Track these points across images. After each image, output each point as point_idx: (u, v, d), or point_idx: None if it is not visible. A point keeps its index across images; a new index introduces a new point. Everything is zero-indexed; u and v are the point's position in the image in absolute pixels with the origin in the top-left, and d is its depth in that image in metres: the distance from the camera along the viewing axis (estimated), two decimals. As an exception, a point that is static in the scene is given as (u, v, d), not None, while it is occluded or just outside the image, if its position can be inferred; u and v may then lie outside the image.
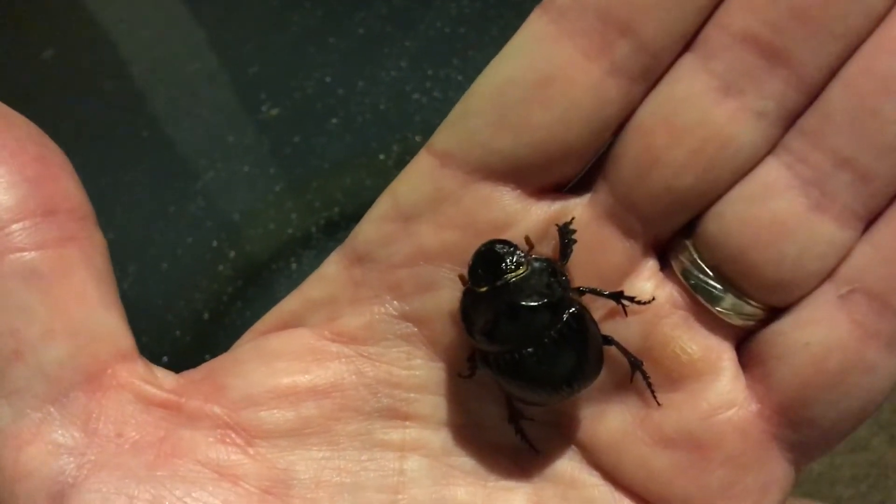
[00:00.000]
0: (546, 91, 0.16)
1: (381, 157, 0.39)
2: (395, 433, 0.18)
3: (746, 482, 0.17)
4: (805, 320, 0.17)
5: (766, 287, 0.17)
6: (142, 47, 0.50)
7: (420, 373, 0.18)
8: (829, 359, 0.17)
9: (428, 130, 0.39)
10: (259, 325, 0.19)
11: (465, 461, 0.18)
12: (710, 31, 0.16)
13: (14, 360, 0.16)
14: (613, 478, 0.18)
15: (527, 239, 0.17)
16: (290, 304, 0.18)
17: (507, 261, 0.17)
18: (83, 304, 0.17)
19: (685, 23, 0.16)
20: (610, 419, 0.18)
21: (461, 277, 0.18)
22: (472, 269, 0.17)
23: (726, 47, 0.16)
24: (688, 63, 0.16)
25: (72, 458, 0.16)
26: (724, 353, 0.18)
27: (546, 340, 0.17)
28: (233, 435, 0.17)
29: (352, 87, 0.42)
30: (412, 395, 0.18)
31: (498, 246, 0.17)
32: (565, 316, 0.17)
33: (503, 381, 0.18)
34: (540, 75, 0.16)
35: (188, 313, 0.35)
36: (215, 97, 0.44)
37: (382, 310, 0.18)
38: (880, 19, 0.16)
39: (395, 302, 0.18)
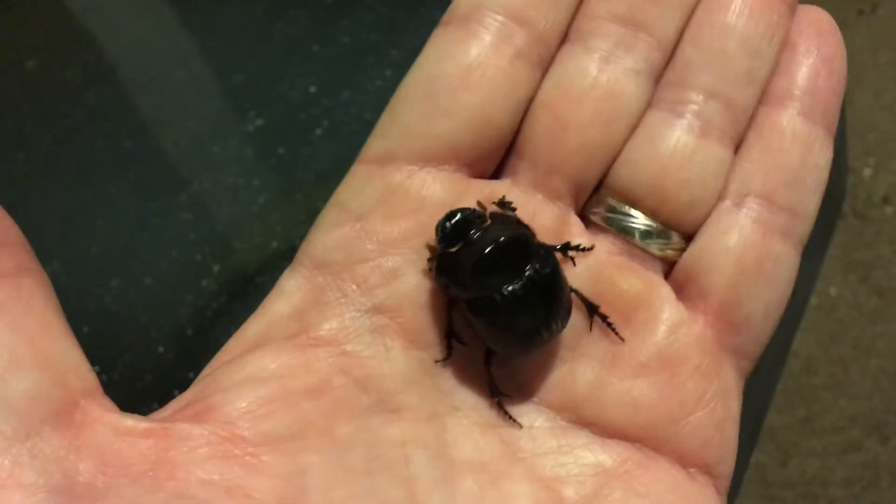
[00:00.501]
0: (469, 78, 0.19)
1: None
2: (393, 428, 0.18)
3: (713, 389, 0.19)
4: (719, 231, 0.20)
5: (681, 210, 0.20)
6: (125, 57, 0.50)
7: (400, 363, 0.18)
8: (747, 256, 0.20)
9: (413, 140, 0.39)
10: (222, 355, 0.18)
11: (461, 450, 0.18)
12: (581, 21, 0.20)
13: None
14: (600, 427, 0.19)
15: (479, 203, 0.20)
16: (253, 326, 0.19)
17: (474, 219, 0.19)
18: (48, 335, 0.16)
19: (564, 14, 0.20)
20: (581, 373, 0.19)
21: (430, 247, 0.19)
22: (443, 233, 0.19)
23: (597, 28, 0.20)
24: (570, 48, 0.20)
25: (55, 498, 0.15)
26: (660, 284, 0.21)
27: (528, 274, 0.19)
28: (233, 448, 0.16)
29: (337, 97, 0.42)
30: (398, 387, 0.18)
31: (461, 210, 0.19)
32: (539, 253, 0.19)
33: (491, 330, 0.19)
34: (461, 66, 0.19)
35: (172, 329, 0.35)
36: (200, 107, 0.44)
37: (352, 307, 0.18)
38: None
39: (362, 298, 0.18)
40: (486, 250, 0.18)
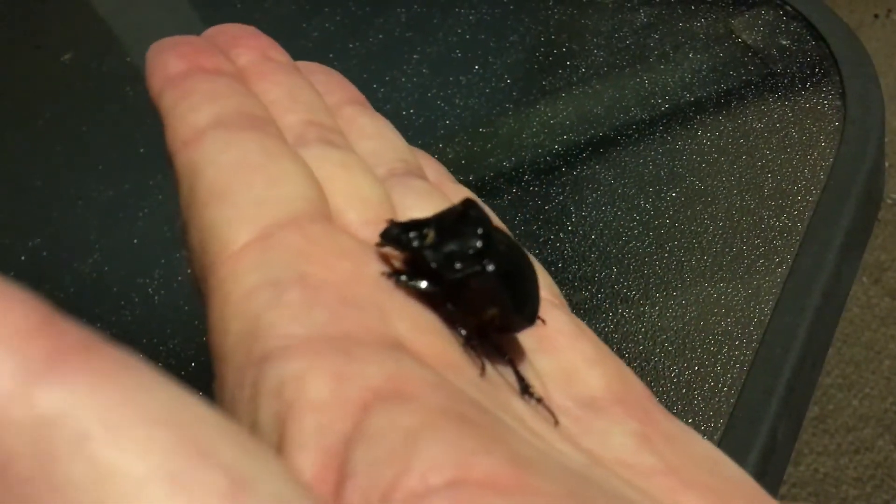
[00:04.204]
0: (271, 151, 0.19)
1: (405, 163, 0.39)
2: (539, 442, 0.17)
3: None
4: None
5: None
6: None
7: (470, 390, 0.16)
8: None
9: (450, 137, 0.40)
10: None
11: (572, 458, 0.17)
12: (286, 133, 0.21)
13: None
14: (594, 399, 0.19)
15: (389, 221, 0.19)
16: (303, 422, 0.15)
17: (417, 220, 0.18)
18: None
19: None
20: (540, 364, 0.19)
21: (393, 274, 0.18)
22: (400, 239, 0.18)
23: (305, 132, 0.21)
24: (297, 146, 0.20)
25: None
26: None
27: (499, 237, 0.18)
28: None
29: (373, 94, 0.43)
30: (496, 412, 0.16)
31: (391, 221, 0.18)
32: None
33: (516, 292, 0.18)
34: (255, 148, 0.19)
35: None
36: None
37: (385, 346, 0.16)
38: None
39: (380, 338, 0.16)
40: (481, 217, 0.18)
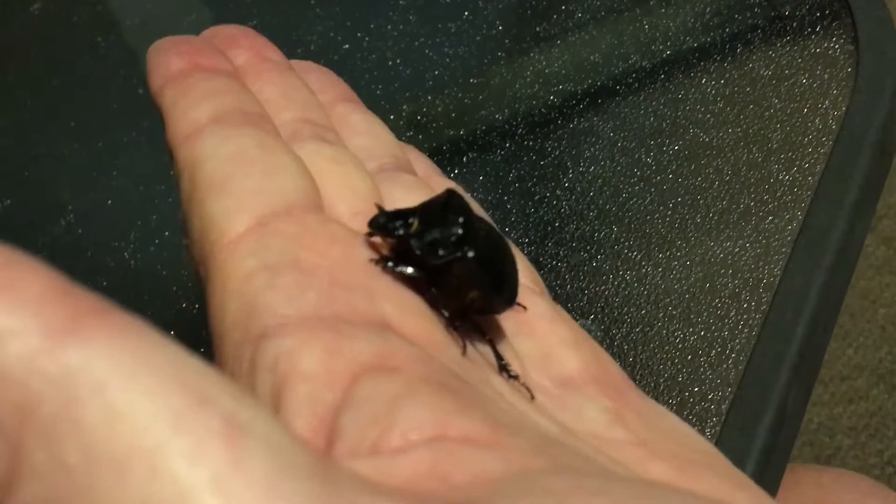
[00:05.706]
0: (267, 145, 0.20)
1: (392, 117, 0.37)
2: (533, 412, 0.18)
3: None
4: None
5: None
6: (134, 1, 0.48)
7: (457, 366, 0.18)
8: None
9: (440, 88, 0.38)
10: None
11: (551, 429, 0.18)
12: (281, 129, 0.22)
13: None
14: (567, 378, 0.20)
15: (377, 205, 0.20)
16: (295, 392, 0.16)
17: (401, 209, 0.19)
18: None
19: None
20: (518, 345, 0.20)
21: (381, 260, 0.19)
22: (386, 227, 0.19)
23: (299, 129, 0.23)
24: (291, 143, 0.22)
25: None
26: None
27: (479, 225, 0.19)
28: None
29: (357, 44, 0.41)
30: (481, 387, 0.18)
31: (379, 210, 0.20)
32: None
33: (498, 275, 0.19)
34: (253, 141, 0.20)
35: (193, 282, 0.34)
36: (212, 52, 0.42)
37: (373, 327, 0.17)
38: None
39: (366, 320, 0.17)
40: (462, 206, 0.19)
